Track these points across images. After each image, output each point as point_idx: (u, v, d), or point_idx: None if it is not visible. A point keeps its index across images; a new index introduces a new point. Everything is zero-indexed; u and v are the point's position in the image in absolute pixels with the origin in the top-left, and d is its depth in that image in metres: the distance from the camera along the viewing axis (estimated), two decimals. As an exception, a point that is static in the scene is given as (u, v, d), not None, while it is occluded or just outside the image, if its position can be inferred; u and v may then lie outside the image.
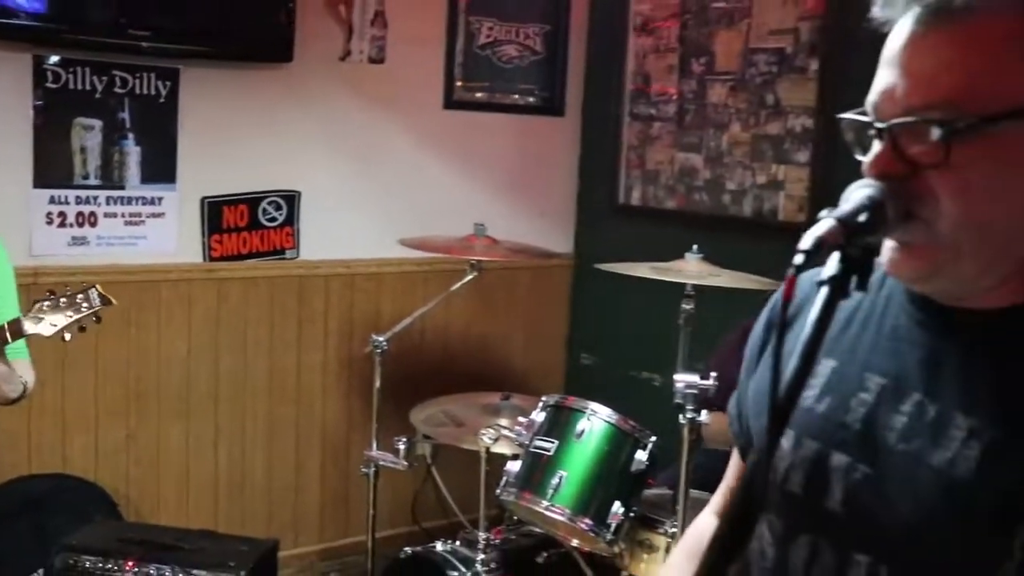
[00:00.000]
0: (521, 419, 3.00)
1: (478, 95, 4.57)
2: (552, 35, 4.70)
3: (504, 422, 3.16)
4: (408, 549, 3.15)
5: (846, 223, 0.96)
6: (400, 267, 4.32)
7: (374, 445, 3.54)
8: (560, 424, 2.89)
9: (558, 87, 4.76)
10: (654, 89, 4.52)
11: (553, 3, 4.70)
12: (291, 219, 4.14)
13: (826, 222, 0.95)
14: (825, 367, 1.21)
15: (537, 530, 3.18)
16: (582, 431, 2.85)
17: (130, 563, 3.09)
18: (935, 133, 1.01)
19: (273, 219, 4.10)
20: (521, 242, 3.83)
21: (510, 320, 4.72)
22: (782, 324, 0.97)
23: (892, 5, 1.07)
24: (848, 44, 3.52)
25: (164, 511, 3.99)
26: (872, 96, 1.08)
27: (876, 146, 1.06)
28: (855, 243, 0.96)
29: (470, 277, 3.54)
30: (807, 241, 0.93)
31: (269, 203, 4.08)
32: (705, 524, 1.49)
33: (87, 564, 3.11)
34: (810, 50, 3.82)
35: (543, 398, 3.01)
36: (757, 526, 1.21)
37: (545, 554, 3.04)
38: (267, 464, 4.22)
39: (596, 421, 2.87)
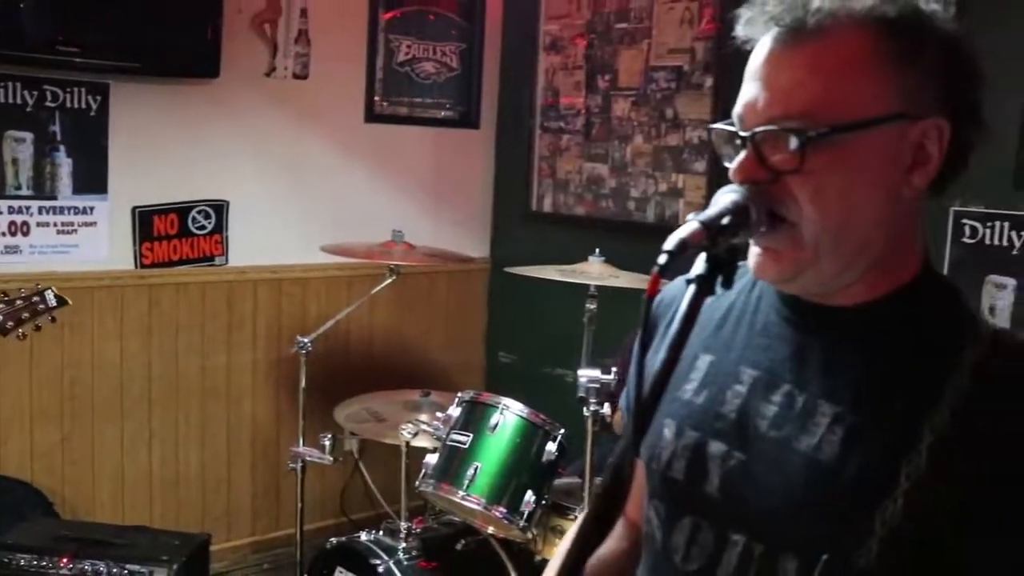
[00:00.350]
0: (439, 414, 3.07)
1: (398, 109, 4.64)
2: (467, 53, 4.79)
3: (424, 418, 3.21)
4: (334, 540, 3.20)
5: (709, 226, 0.98)
6: (325, 272, 4.38)
7: (300, 441, 3.60)
8: (475, 418, 2.96)
9: (473, 101, 4.84)
10: (563, 103, 4.64)
11: (468, 23, 4.78)
12: (220, 227, 4.19)
13: (690, 225, 0.97)
14: (703, 362, 1.24)
15: (457, 519, 3.23)
16: (495, 424, 2.92)
17: (64, 560, 3.08)
18: (792, 142, 1.04)
19: (202, 227, 4.15)
20: (438, 247, 3.91)
21: (431, 321, 4.81)
22: (645, 320, 0.96)
23: (753, 25, 1.11)
24: (738, 62, 3.63)
25: (100, 509, 4.00)
26: (737, 108, 1.12)
27: (741, 154, 1.09)
28: (719, 244, 0.98)
29: (389, 281, 3.61)
30: (671, 242, 0.95)
31: (198, 212, 4.13)
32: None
33: (22, 562, 3.08)
34: (705, 68, 3.97)
35: (459, 394, 3.08)
36: (646, 511, 1.28)
37: (464, 541, 3.11)
38: (200, 461, 4.25)
39: (508, 415, 2.95)
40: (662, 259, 0.94)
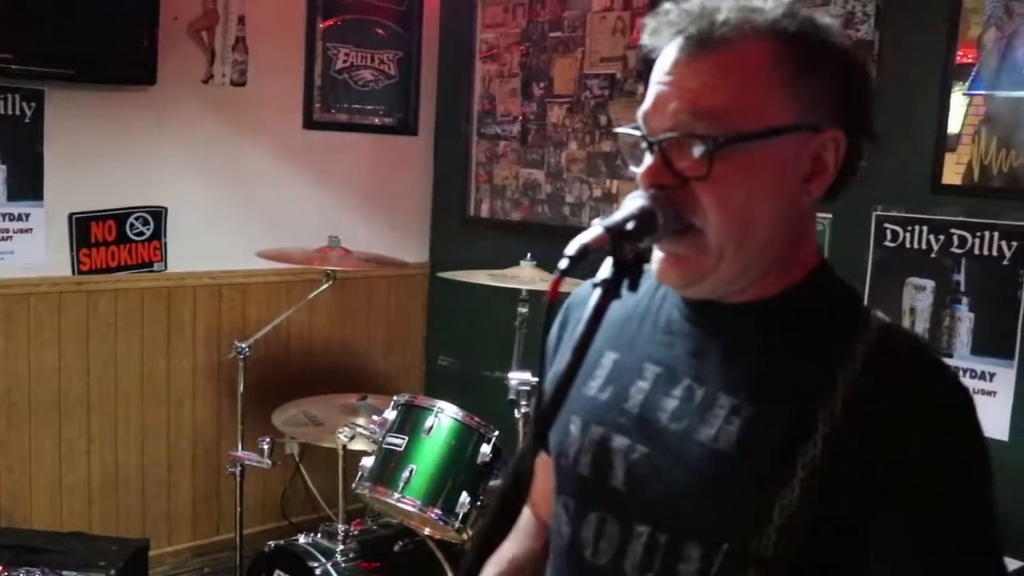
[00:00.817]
0: (375, 418, 3.04)
1: (336, 116, 4.57)
2: (405, 61, 4.75)
3: (361, 421, 3.18)
4: (272, 543, 3.15)
5: (613, 231, 0.98)
6: (264, 277, 4.31)
7: (239, 445, 3.54)
8: (410, 421, 2.94)
9: (412, 109, 4.80)
10: (499, 111, 4.63)
11: (406, 31, 4.74)
12: (158, 233, 4.10)
13: (594, 230, 0.98)
14: (608, 359, 1.24)
15: (395, 521, 3.20)
16: (430, 427, 2.90)
17: (-1, 568, 3.01)
18: (698, 148, 1.05)
19: (141, 233, 4.05)
20: (376, 253, 3.87)
21: (371, 325, 4.74)
22: (547, 322, 0.98)
23: (659, 35, 1.11)
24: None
25: (37, 516, 3.89)
26: (642, 110, 1.11)
27: (648, 159, 1.09)
28: (624, 248, 0.98)
29: (325, 286, 3.56)
30: (572, 247, 0.95)
31: (136, 218, 4.03)
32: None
33: (-45, 572, 3.01)
34: (637, 75, 3.97)
35: (395, 397, 3.05)
36: (555, 507, 1.26)
37: (401, 543, 3.07)
38: (140, 466, 4.15)
39: (443, 418, 2.93)
40: (563, 264, 0.94)
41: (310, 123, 4.48)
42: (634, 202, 1.04)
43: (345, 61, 4.55)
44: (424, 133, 4.89)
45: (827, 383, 1.06)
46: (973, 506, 1.06)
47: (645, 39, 1.13)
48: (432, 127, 4.92)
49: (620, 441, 1.17)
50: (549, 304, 0.95)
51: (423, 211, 4.90)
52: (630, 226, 1.00)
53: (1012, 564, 2.90)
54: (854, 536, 1.04)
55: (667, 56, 1.10)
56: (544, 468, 1.33)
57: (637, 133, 1.10)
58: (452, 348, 4.81)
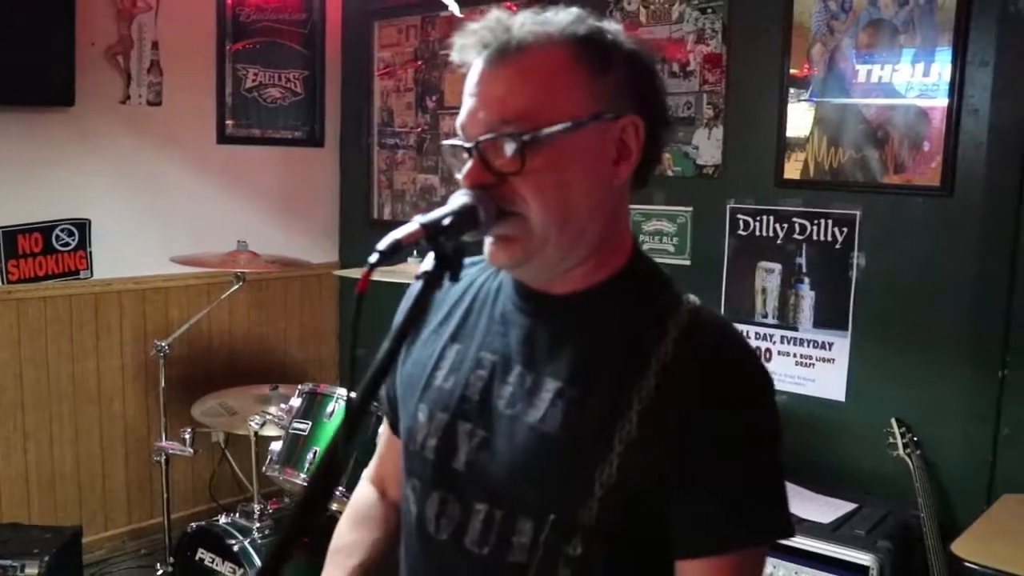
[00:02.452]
0: (283, 405, 3.03)
1: (248, 131, 4.52)
2: (310, 79, 4.71)
3: (272, 409, 3.16)
4: (194, 524, 3.11)
5: (429, 226, 0.96)
6: (185, 281, 4.24)
7: (163, 436, 3.51)
8: (314, 408, 2.93)
9: (317, 122, 4.77)
10: (397, 122, 4.63)
11: (310, 52, 4.70)
12: (83, 243, 4.00)
13: (409, 226, 0.96)
14: (452, 351, 1.22)
15: None
16: (331, 412, 2.90)
17: (-64, 560, 2.91)
18: (510, 147, 1.04)
19: (66, 244, 3.96)
20: (286, 255, 3.84)
21: (287, 322, 4.70)
22: (357, 313, 0.91)
23: (465, 51, 1.11)
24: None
25: (-23, 511, 3.80)
26: (459, 120, 1.11)
27: (468, 162, 1.07)
28: (443, 243, 0.97)
29: (236, 287, 3.54)
30: (384, 242, 0.93)
31: (62, 230, 3.94)
32: (362, 492, 1.47)
33: None
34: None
35: (299, 387, 3.04)
36: (403, 489, 1.25)
37: None
38: (75, 459, 4.07)
39: (343, 403, 2.91)
40: (373, 258, 0.91)
41: (223, 138, 4.42)
42: (457, 200, 1.03)
43: (254, 80, 4.50)
44: (330, 145, 4.86)
45: (642, 364, 1.07)
46: (766, 469, 1.09)
47: (454, 56, 1.13)
48: (337, 139, 4.89)
49: (463, 426, 1.16)
50: (358, 296, 0.91)
51: (332, 216, 4.87)
52: (447, 221, 0.98)
53: (846, 507, 3.01)
54: (666, 503, 1.05)
55: (475, 69, 1.10)
56: (395, 452, 1.31)
57: (458, 141, 1.10)
58: (367, 339, 4.74)
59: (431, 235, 0.96)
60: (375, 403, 1.01)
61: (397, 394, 1.31)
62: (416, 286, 0.97)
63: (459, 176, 1.09)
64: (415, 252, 3.30)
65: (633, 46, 1.14)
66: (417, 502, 1.20)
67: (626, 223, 1.19)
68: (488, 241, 1.11)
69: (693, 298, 1.15)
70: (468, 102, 1.09)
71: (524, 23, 1.08)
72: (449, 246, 0.98)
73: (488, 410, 1.15)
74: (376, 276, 0.88)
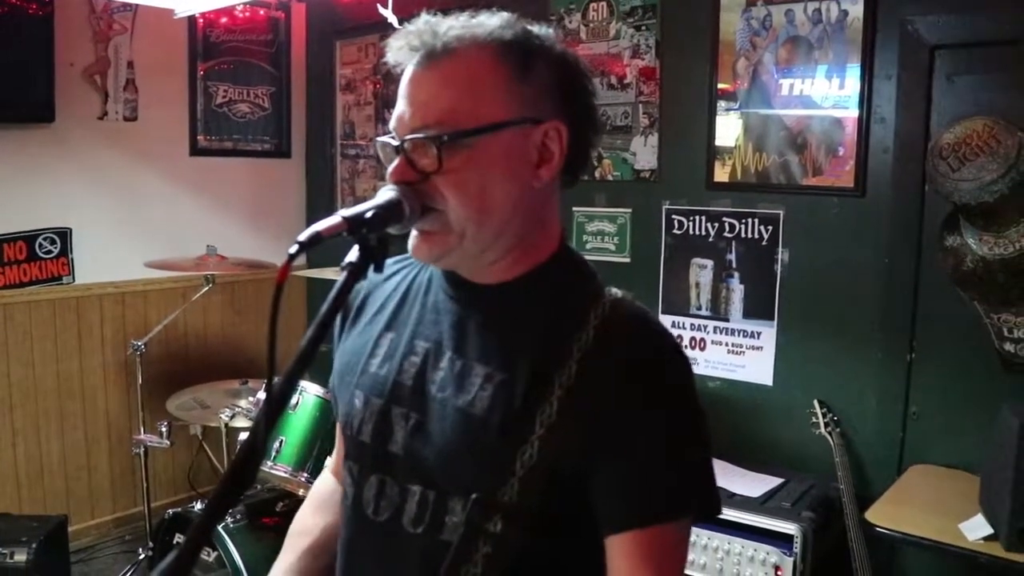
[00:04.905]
0: (251, 398, 3.01)
1: (221, 144, 4.47)
2: (277, 95, 4.67)
3: (242, 403, 3.13)
4: (171, 511, 3.07)
5: (351, 220, 0.93)
6: (162, 285, 4.19)
7: (141, 429, 3.47)
8: (280, 400, 2.90)
9: (285, 135, 4.74)
10: (359, 134, 4.61)
11: (276, 70, 4.67)
12: (65, 251, 3.94)
13: (332, 218, 0.92)
14: (386, 339, 1.19)
15: (277, 486, 3.12)
16: (296, 403, 2.88)
17: (-73, 548, 2.84)
18: (432, 147, 1.02)
19: (49, 252, 3.89)
20: (253, 258, 3.81)
21: (259, 321, 4.65)
22: (276, 301, 0.85)
23: (397, 54, 1.08)
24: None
25: (-30, 504, 3.72)
26: (392, 121, 1.08)
27: (396, 160, 1.05)
28: (366, 235, 0.93)
29: (206, 289, 3.51)
30: (305, 234, 0.89)
31: (44, 239, 3.88)
32: (325, 480, 1.43)
33: None
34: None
35: (265, 384, 3.00)
36: (343, 472, 1.22)
37: (282, 504, 3.01)
38: (61, 453, 4.01)
39: (307, 396, 2.90)
40: (293, 249, 0.87)
41: (196, 150, 4.37)
42: (384, 194, 1.01)
43: (224, 97, 4.45)
44: (296, 155, 4.83)
45: (564, 351, 1.05)
46: (687, 446, 1.07)
47: (389, 58, 1.10)
48: (303, 150, 4.86)
49: (397, 411, 1.13)
50: (277, 286, 0.84)
51: (299, 221, 4.81)
52: (369, 214, 0.95)
53: (774, 482, 3.06)
54: (587, 484, 1.04)
55: (406, 72, 1.08)
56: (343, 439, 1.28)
57: (387, 139, 1.07)
58: (330, 334, 4.71)
59: (353, 227, 0.93)
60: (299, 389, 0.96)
61: (335, 383, 1.27)
62: (340, 277, 0.93)
63: (387, 172, 1.07)
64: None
65: (561, 50, 1.11)
66: (355, 485, 1.18)
67: (552, 220, 1.16)
68: (412, 235, 1.08)
69: (616, 290, 1.13)
70: (399, 104, 1.07)
71: (452, 27, 1.06)
72: (373, 238, 0.94)
73: (421, 394, 1.12)
74: (316, 275, 0.85)
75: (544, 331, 1.08)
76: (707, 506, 1.10)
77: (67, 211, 3.96)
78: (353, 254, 0.94)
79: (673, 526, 1.05)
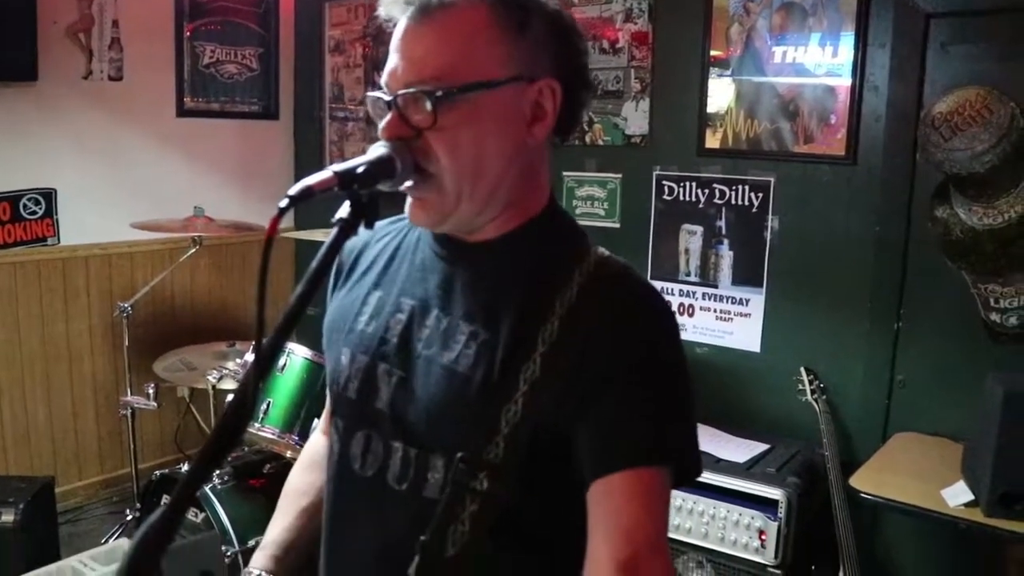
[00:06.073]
0: (238, 360, 3.01)
1: (207, 105, 4.42)
2: (265, 56, 4.62)
3: (229, 365, 3.13)
4: (158, 472, 3.07)
5: (343, 175, 0.92)
6: (149, 247, 4.16)
7: (128, 391, 3.47)
8: (267, 362, 2.90)
9: (272, 97, 4.68)
10: (347, 96, 4.57)
11: (264, 30, 4.61)
12: (50, 212, 3.90)
13: (323, 173, 0.91)
14: (373, 297, 1.19)
15: (264, 448, 3.12)
16: (283, 366, 2.87)
17: (-88, 509, 2.85)
18: (426, 103, 1.00)
19: (33, 212, 3.85)
20: (241, 220, 3.79)
21: (245, 283, 4.64)
22: (265, 255, 0.84)
23: (391, 7, 1.06)
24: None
25: (-45, 465, 3.73)
26: (383, 76, 1.06)
27: (388, 115, 1.04)
28: (357, 191, 0.93)
29: (193, 250, 3.50)
30: (295, 188, 0.88)
31: (29, 199, 3.83)
32: (314, 440, 1.44)
33: None
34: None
35: (254, 343, 3.00)
36: (330, 427, 1.22)
37: (270, 465, 3.02)
38: (48, 415, 4.00)
39: (294, 358, 2.90)
40: (283, 203, 0.86)
41: (182, 112, 4.32)
42: (376, 150, 1.00)
43: (211, 57, 4.40)
44: (284, 117, 4.79)
45: (547, 309, 1.04)
46: (669, 396, 1.06)
47: (381, 11, 1.08)
48: (291, 112, 4.81)
49: (383, 368, 1.13)
50: (266, 239, 0.83)
51: (287, 184, 4.49)
52: (361, 170, 0.94)
53: (759, 448, 3.09)
54: (571, 439, 1.04)
55: (399, 26, 1.06)
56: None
57: (379, 94, 1.06)
58: (320, 297, 4.72)
59: (344, 183, 0.92)
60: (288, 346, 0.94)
61: (326, 343, 1.26)
62: (331, 232, 0.92)
63: (379, 128, 1.05)
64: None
65: (556, 9, 1.10)
66: (341, 441, 1.18)
67: (543, 178, 1.15)
68: (408, 201, 1.08)
69: (602, 250, 1.12)
70: (392, 58, 1.06)
71: None
72: (364, 194, 0.93)
73: (407, 351, 1.12)
74: (306, 237, 0.84)
75: (529, 288, 1.08)
76: (689, 464, 1.08)
77: (52, 172, 3.92)
78: (344, 210, 0.93)
79: (654, 471, 1.03)
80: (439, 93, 1.00)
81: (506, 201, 1.10)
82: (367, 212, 0.94)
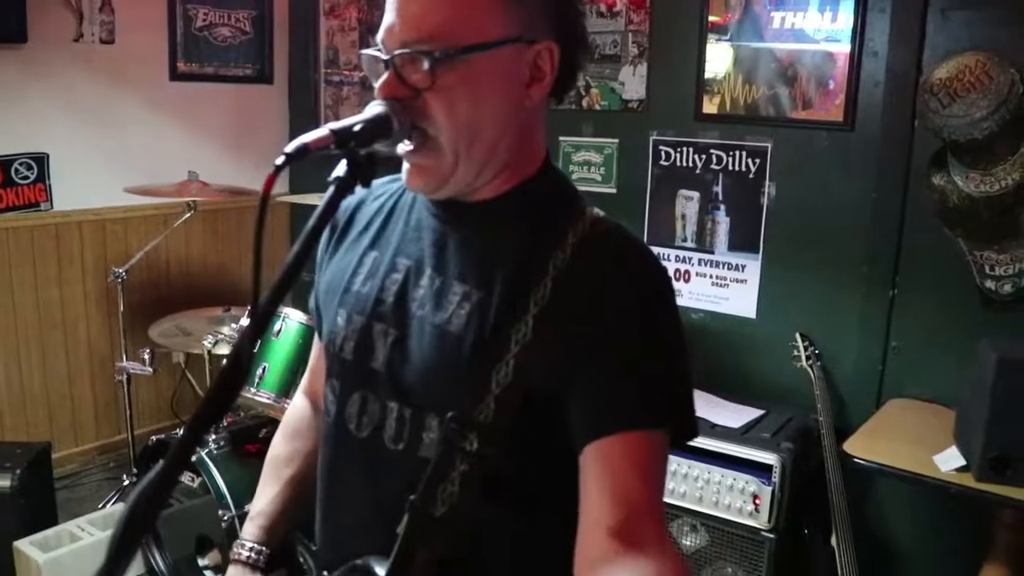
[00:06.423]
0: (233, 325, 3.01)
1: (200, 69, 4.38)
2: (259, 19, 4.56)
3: (224, 330, 3.13)
4: (154, 438, 3.09)
5: (339, 133, 0.92)
6: (143, 212, 4.14)
7: (124, 357, 3.48)
8: (263, 327, 2.91)
9: (267, 61, 4.64)
10: (342, 60, 4.54)
11: (258, -9, 4.58)
12: (42, 177, 3.88)
13: (320, 131, 0.91)
14: (369, 258, 1.19)
15: (260, 414, 3.16)
16: (279, 330, 2.88)
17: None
18: (424, 63, 0.99)
19: (25, 177, 3.83)
20: (236, 185, 3.79)
21: (241, 249, 4.63)
22: (260, 213, 0.83)
23: None
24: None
25: (-48, 431, 3.74)
26: (379, 35, 1.05)
27: (385, 74, 1.02)
28: (354, 149, 0.92)
29: (188, 215, 3.49)
30: (292, 145, 0.88)
31: (20, 164, 3.81)
32: (298, 403, 1.44)
33: None
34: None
35: (247, 317, 3.02)
36: (325, 389, 1.22)
37: (265, 431, 3.02)
38: (43, 381, 4.01)
39: (290, 322, 2.91)
40: (280, 160, 0.85)
41: (175, 75, 4.28)
42: (372, 109, 0.99)
43: (204, 20, 4.35)
44: (279, 82, 4.74)
45: (541, 270, 1.04)
46: (664, 358, 1.06)
47: None
48: (286, 76, 4.77)
49: (379, 328, 1.13)
50: (263, 196, 0.83)
51: (281, 148, 4.57)
52: (358, 128, 0.94)
53: (754, 413, 3.11)
54: (564, 402, 1.04)
55: None
56: (322, 359, 1.28)
57: (375, 53, 1.04)
58: (311, 264, 4.70)
59: (341, 141, 0.92)
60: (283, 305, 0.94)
61: (320, 304, 1.26)
62: (328, 191, 0.92)
63: (375, 86, 1.04)
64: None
65: None
66: (337, 402, 1.18)
67: (539, 139, 1.15)
68: (405, 167, 1.08)
69: (597, 210, 1.12)
70: (388, 16, 1.04)
71: None
72: (361, 153, 0.93)
73: (402, 311, 1.12)
74: (300, 201, 0.83)
75: (522, 249, 1.08)
76: (684, 427, 1.08)
77: (43, 136, 3.89)
78: (341, 169, 0.92)
79: (648, 434, 1.03)
80: (437, 54, 0.99)
81: (503, 163, 1.10)
82: (364, 171, 0.93)
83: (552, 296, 1.03)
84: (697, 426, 1.10)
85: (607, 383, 1.02)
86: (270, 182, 0.83)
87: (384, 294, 1.14)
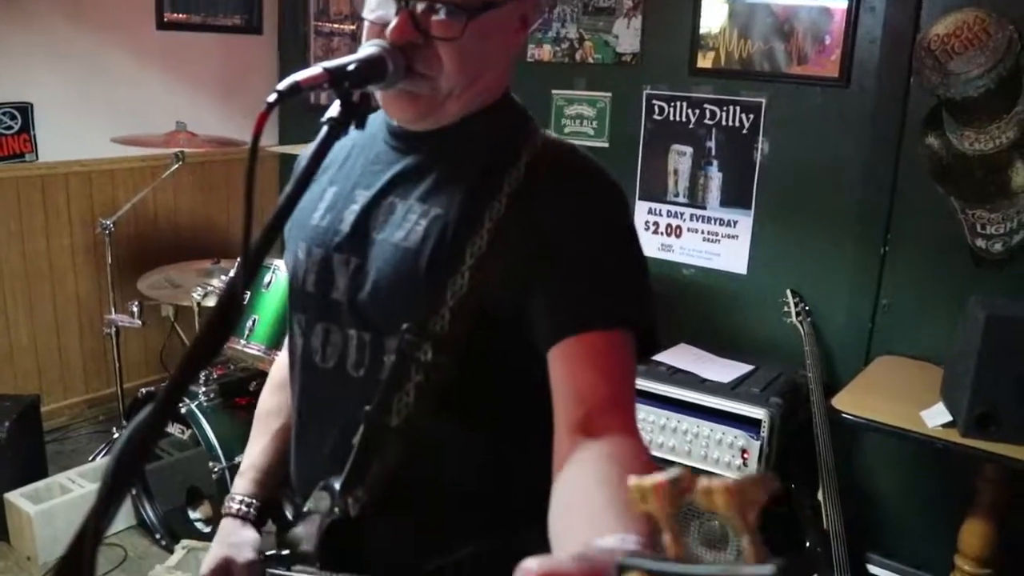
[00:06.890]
0: (223, 278, 3.01)
1: (188, 18, 4.31)
2: (247, -33, 4.51)
3: (214, 282, 3.12)
4: (143, 390, 3.10)
5: (332, 71, 0.91)
6: (130, 164, 4.11)
7: (112, 309, 3.47)
8: (253, 279, 2.90)
9: (256, 10, 4.57)
10: (333, 11, 4.47)
11: (246, -61, 4.49)
12: (26, 127, 3.83)
13: (312, 69, 0.90)
14: (329, 193, 1.20)
15: (250, 366, 3.15)
16: (269, 282, 2.88)
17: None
18: (444, 12, 1.01)
19: (9, 128, 3.78)
20: (226, 136, 3.75)
21: (230, 201, 4.61)
22: (252, 150, 0.81)
23: None
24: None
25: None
26: None
27: (395, 17, 1.01)
28: (346, 89, 0.92)
29: (176, 166, 3.46)
30: (284, 83, 0.87)
31: (4, 113, 3.75)
32: (282, 358, 1.41)
33: None
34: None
35: (238, 259, 3.00)
36: (290, 324, 1.24)
37: (255, 383, 3.05)
38: (31, 334, 4.01)
39: (279, 274, 2.90)
40: (271, 98, 0.85)
41: (162, 24, 4.21)
42: (367, 49, 0.98)
43: (191, -33, 4.29)
44: (268, 32, 4.68)
45: (495, 186, 1.07)
46: (619, 261, 1.08)
47: None
48: (275, 27, 4.70)
49: (338, 258, 1.15)
50: (254, 136, 0.81)
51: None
52: (352, 67, 0.93)
53: (744, 368, 3.14)
54: (519, 315, 1.05)
55: None
56: None
57: None
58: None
59: (335, 80, 0.91)
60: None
61: (284, 241, 1.25)
62: (321, 132, 0.91)
63: (367, 16, 1.05)
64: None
65: None
66: (303, 335, 1.20)
67: (507, 73, 1.17)
68: (391, 94, 1.06)
69: (550, 132, 1.16)
70: None
71: None
72: (355, 93, 0.92)
73: (361, 239, 1.13)
74: (287, 151, 0.83)
75: (479, 169, 1.10)
76: (645, 327, 1.07)
77: (27, 85, 3.84)
78: (334, 109, 0.92)
79: (608, 334, 1.03)
80: (474, 8, 1.01)
81: (481, 98, 1.13)
82: (357, 112, 0.93)
83: (507, 211, 1.06)
84: (657, 332, 1.10)
85: (561, 288, 1.04)
86: (262, 119, 0.82)
87: (342, 225, 1.16)
